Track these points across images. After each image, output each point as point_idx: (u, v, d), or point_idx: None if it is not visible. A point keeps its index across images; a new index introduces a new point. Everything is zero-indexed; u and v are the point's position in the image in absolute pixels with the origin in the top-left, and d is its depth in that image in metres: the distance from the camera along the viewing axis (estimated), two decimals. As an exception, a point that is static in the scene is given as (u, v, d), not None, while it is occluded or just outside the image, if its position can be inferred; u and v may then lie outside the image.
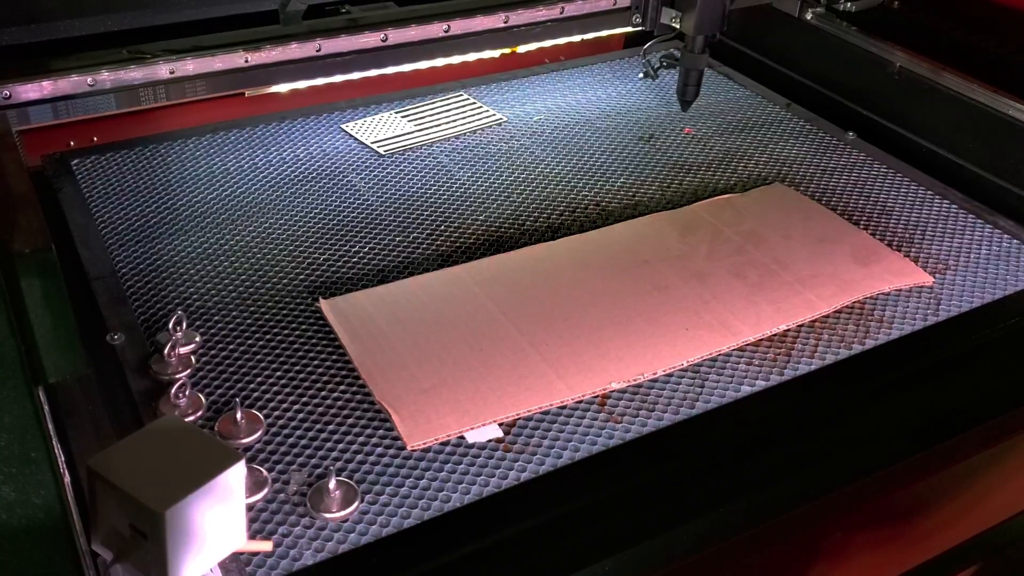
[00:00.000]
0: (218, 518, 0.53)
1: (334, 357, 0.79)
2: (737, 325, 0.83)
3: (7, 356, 0.66)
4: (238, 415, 0.71)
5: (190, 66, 0.96)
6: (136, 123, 1.11)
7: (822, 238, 0.96)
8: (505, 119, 1.17)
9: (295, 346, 0.80)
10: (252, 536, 0.62)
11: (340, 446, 0.71)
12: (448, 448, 0.71)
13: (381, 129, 1.14)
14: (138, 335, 0.79)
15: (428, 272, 0.90)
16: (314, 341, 0.81)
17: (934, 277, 0.91)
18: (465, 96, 1.22)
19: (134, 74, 0.94)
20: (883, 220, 1.00)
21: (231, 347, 0.80)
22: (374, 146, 1.10)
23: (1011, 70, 1.11)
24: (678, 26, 1.05)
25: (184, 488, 0.51)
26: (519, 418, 0.74)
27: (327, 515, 0.65)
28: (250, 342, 0.80)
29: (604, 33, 1.18)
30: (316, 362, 0.79)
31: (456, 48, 1.09)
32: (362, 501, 0.66)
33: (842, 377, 0.80)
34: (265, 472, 0.68)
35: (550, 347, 0.80)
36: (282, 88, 1.11)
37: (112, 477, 0.51)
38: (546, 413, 0.74)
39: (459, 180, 1.05)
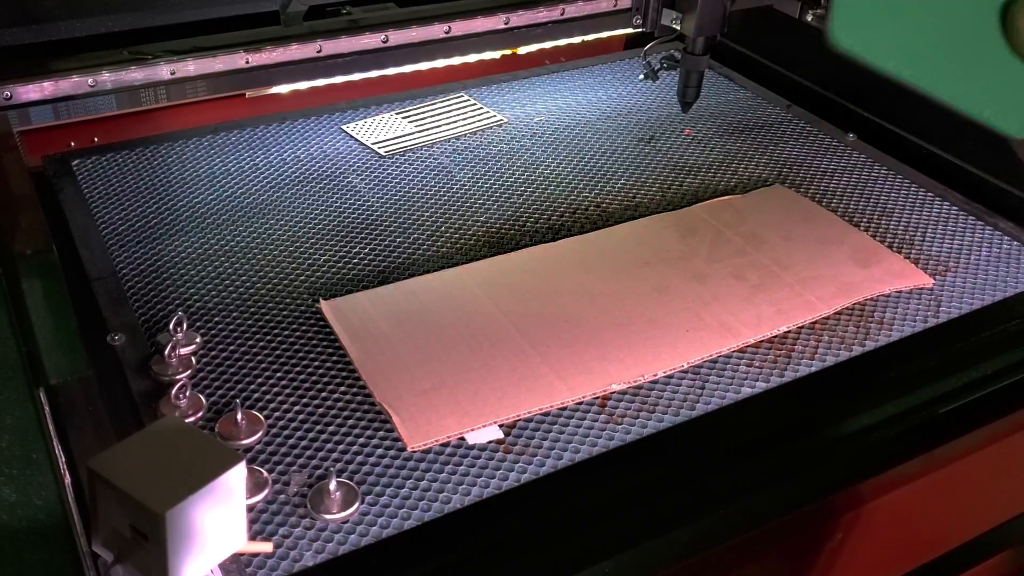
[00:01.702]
0: (219, 519, 0.53)
1: (335, 358, 0.79)
2: (737, 327, 0.83)
3: (8, 358, 0.66)
4: (238, 416, 0.71)
5: (191, 67, 0.96)
6: (137, 124, 1.11)
7: (822, 240, 0.96)
8: (506, 120, 1.17)
9: (295, 347, 0.80)
10: (252, 537, 0.62)
11: (340, 447, 0.71)
12: (448, 449, 0.71)
13: (382, 130, 1.14)
14: (139, 336, 0.79)
15: (428, 273, 0.90)
16: (315, 342, 0.81)
17: (934, 279, 0.91)
18: (466, 97, 1.22)
19: (135, 75, 0.94)
20: (883, 222, 1.00)
21: (232, 348, 0.80)
22: (375, 147, 1.10)
23: (1011, 72, 1.11)
24: (678, 28, 1.04)
25: (185, 489, 0.51)
26: (519, 419, 0.74)
27: (327, 516, 0.65)
28: (251, 343, 0.80)
29: (605, 35, 1.18)
30: (316, 363, 0.79)
31: (457, 49, 1.09)
32: (362, 502, 0.66)
33: (842, 379, 0.80)
34: (265, 473, 0.68)
35: (550, 348, 0.80)
36: (283, 89, 1.12)
37: (112, 478, 0.51)
38: (546, 414, 0.74)
39: (459, 181, 1.05)
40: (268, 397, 0.75)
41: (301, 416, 0.74)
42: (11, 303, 0.71)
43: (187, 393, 0.72)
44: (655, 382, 0.78)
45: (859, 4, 0.39)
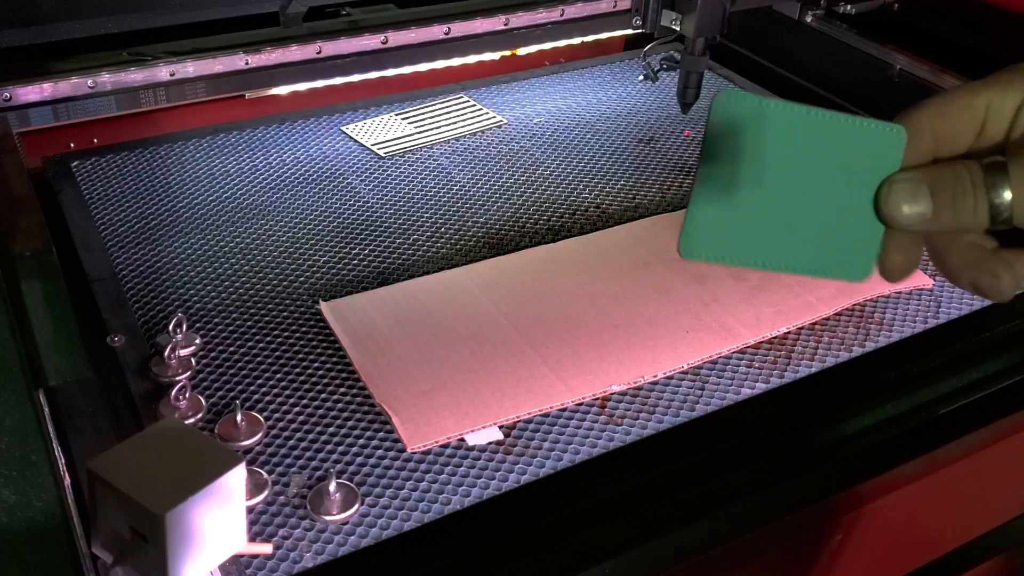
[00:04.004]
0: (218, 521, 0.53)
1: (334, 359, 0.79)
2: (737, 328, 0.83)
3: (8, 359, 0.66)
4: (238, 417, 0.71)
5: (190, 68, 0.96)
6: (136, 125, 1.11)
7: (822, 240, 0.96)
8: (505, 121, 1.17)
9: (295, 348, 0.80)
10: (252, 539, 0.62)
11: (340, 448, 0.71)
12: (448, 451, 0.71)
13: (381, 131, 1.14)
14: (138, 337, 0.79)
15: (428, 274, 0.90)
16: (314, 343, 0.81)
17: (934, 280, 0.91)
18: (465, 98, 1.22)
19: (134, 76, 0.95)
20: (883, 222, 1.00)
21: (231, 349, 0.80)
22: (374, 148, 1.11)
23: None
24: (678, 28, 1.05)
25: (184, 491, 0.51)
26: (519, 420, 0.74)
27: (327, 517, 0.65)
28: (250, 344, 0.80)
29: (604, 35, 1.18)
30: (316, 364, 0.79)
31: (456, 50, 1.09)
32: (362, 503, 0.66)
33: (842, 380, 0.80)
34: (265, 475, 0.68)
35: (550, 349, 0.80)
36: (282, 90, 1.12)
37: (112, 479, 0.51)
38: (546, 415, 0.74)
39: (459, 182, 1.05)
40: (268, 398, 0.75)
41: (301, 417, 0.74)
42: (11, 305, 0.71)
43: (187, 394, 0.72)
44: (655, 383, 0.78)
45: (704, 225, 0.50)
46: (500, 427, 0.73)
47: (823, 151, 0.48)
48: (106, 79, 0.93)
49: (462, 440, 0.72)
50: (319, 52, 1.01)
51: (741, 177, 0.49)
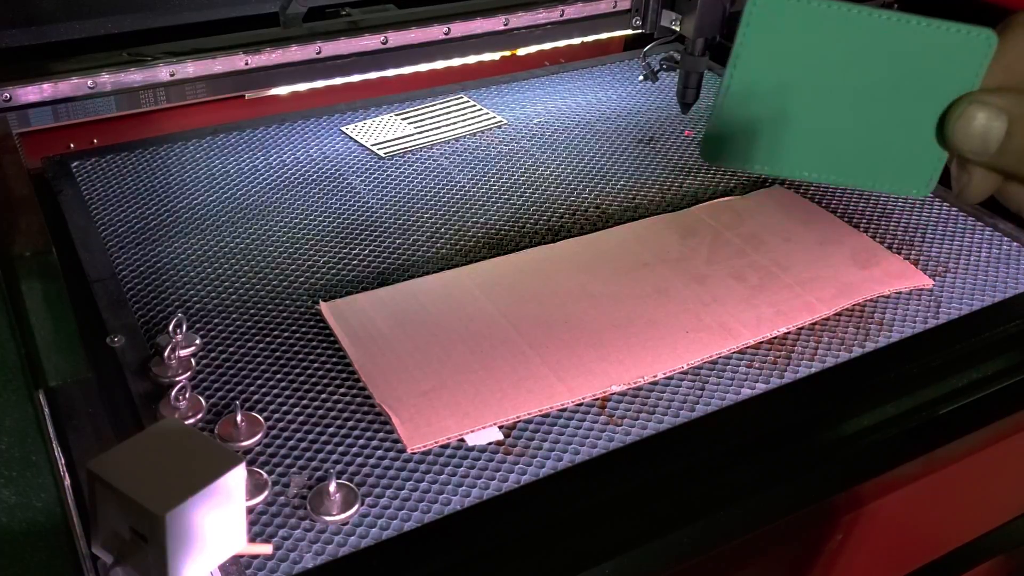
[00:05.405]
0: (218, 521, 0.53)
1: (334, 360, 0.79)
2: (737, 328, 0.83)
3: (8, 359, 0.66)
4: (238, 418, 0.71)
5: (190, 68, 0.96)
6: (136, 125, 1.11)
7: (822, 241, 0.96)
8: (505, 121, 1.17)
9: (295, 349, 0.80)
10: (252, 539, 0.62)
11: (340, 449, 0.71)
12: (448, 451, 0.71)
13: (381, 131, 1.14)
14: (138, 337, 0.79)
15: (428, 274, 0.90)
16: (314, 344, 0.81)
17: (934, 280, 0.91)
18: (465, 98, 1.22)
19: (134, 76, 0.95)
20: (883, 223, 1.00)
21: (231, 350, 0.80)
22: (374, 148, 1.11)
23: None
24: (678, 29, 1.05)
25: (184, 491, 0.51)
26: (519, 421, 0.74)
27: (327, 518, 0.65)
28: (250, 344, 0.80)
29: (604, 36, 1.18)
30: (316, 365, 0.79)
31: (456, 50, 1.09)
32: (362, 504, 0.66)
33: (842, 380, 0.80)
34: (265, 475, 0.68)
35: (550, 350, 0.80)
36: (282, 90, 1.12)
37: (112, 480, 0.51)
38: (546, 416, 0.74)
39: (459, 182, 1.05)
40: (268, 399, 0.75)
41: (301, 418, 0.74)
42: (10, 305, 0.71)
43: (187, 395, 0.72)
44: (655, 383, 0.78)
45: (733, 128, 0.43)
46: (500, 427, 0.73)
47: (888, 58, 0.42)
48: (106, 79, 0.93)
49: (462, 440, 0.72)
50: (319, 52, 1.01)
51: (780, 80, 0.43)
